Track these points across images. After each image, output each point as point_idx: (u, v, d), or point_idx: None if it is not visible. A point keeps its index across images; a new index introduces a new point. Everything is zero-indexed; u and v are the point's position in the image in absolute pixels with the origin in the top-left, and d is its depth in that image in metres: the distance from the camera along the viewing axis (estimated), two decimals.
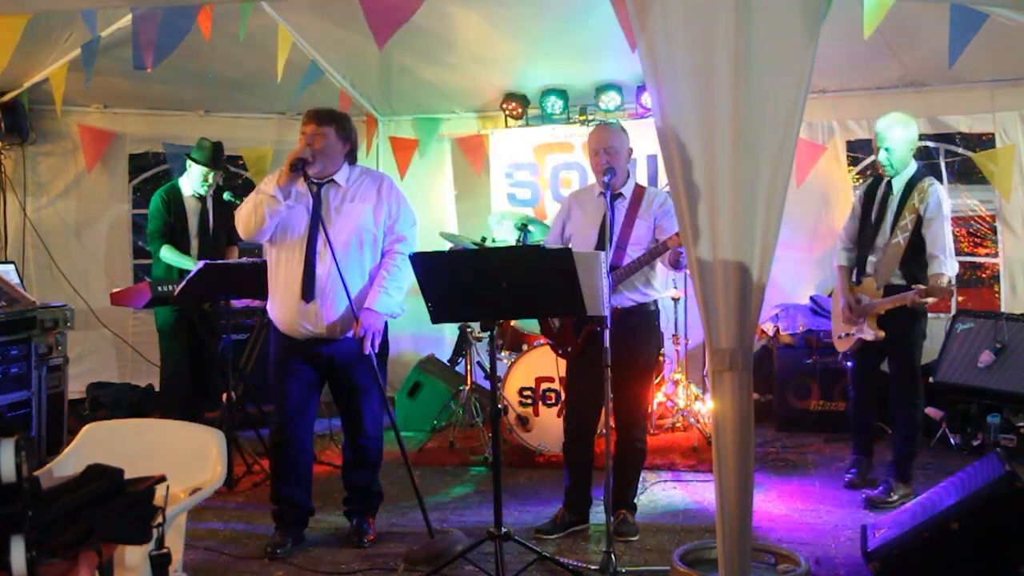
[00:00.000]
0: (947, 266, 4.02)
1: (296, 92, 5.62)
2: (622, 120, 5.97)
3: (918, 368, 4.22)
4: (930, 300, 3.93)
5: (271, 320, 3.77)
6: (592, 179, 6.25)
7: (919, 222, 4.09)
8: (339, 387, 3.81)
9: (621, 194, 3.87)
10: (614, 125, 4.05)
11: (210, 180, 5.23)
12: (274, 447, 3.84)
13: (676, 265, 3.67)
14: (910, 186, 4.16)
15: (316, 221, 3.57)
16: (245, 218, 3.59)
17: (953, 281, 4.08)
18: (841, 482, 4.53)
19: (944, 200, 4.09)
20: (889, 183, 4.27)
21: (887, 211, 4.22)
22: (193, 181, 5.24)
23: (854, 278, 4.36)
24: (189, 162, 5.26)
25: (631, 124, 5.82)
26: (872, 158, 6.49)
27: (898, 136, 4.17)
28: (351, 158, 3.74)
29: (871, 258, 4.27)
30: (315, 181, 3.58)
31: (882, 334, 4.15)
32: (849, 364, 4.75)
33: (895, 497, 4.08)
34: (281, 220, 3.60)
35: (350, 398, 3.78)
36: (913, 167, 4.22)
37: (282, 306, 3.66)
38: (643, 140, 5.77)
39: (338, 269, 3.50)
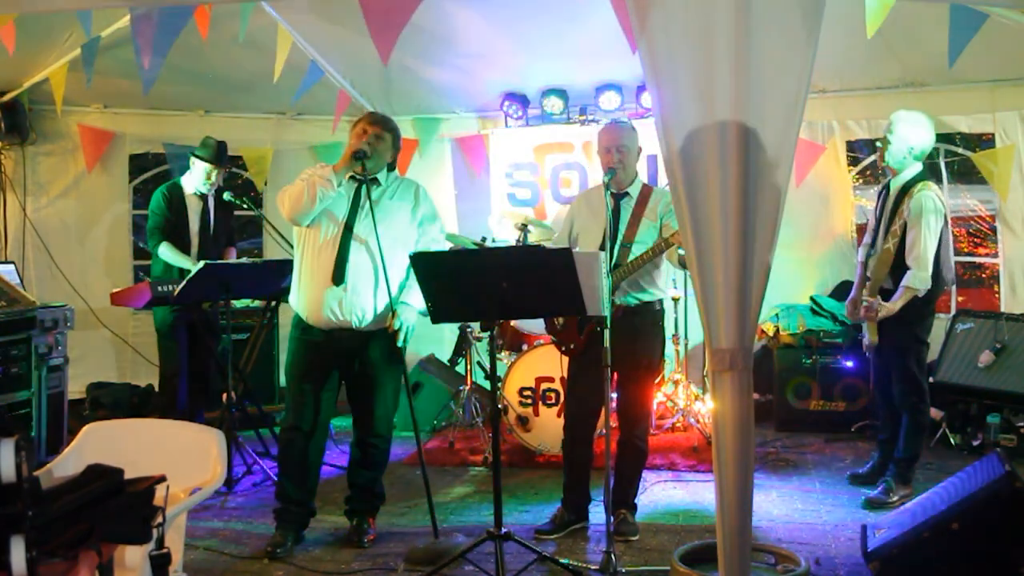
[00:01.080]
0: (916, 279, 3.95)
1: (297, 92, 5.62)
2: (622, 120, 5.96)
3: (917, 372, 4.17)
4: (882, 314, 3.92)
5: (295, 313, 3.78)
6: (592, 178, 6.31)
7: (906, 227, 4.03)
8: (356, 383, 3.82)
9: (628, 193, 3.88)
10: (625, 123, 4.07)
11: (213, 178, 5.22)
12: (285, 445, 3.84)
13: (684, 262, 3.67)
14: (905, 190, 4.10)
15: (356, 209, 3.68)
16: (295, 197, 3.61)
17: (922, 291, 4.00)
18: (841, 482, 4.54)
19: (928, 208, 3.97)
20: (888, 186, 4.26)
21: (884, 215, 4.22)
22: (196, 179, 5.22)
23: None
24: (193, 159, 5.25)
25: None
26: (872, 158, 6.54)
27: (900, 132, 4.11)
28: (392, 167, 3.88)
29: (871, 261, 4.27)
30: (361, 176, 3.69)
31: (875, 340, 4.15)
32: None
33: (894, 498, 4.08)
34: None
35: (366, 395, 3.80)
36: (915, 171, 4.13)
37: (309, 291, 3.67)
38: (643, 140, 5.75)
39: (382, 257, 3.61)
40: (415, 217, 3.82)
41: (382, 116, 3.85)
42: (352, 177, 3.71)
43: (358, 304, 3.64)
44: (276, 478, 3.88)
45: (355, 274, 3.63)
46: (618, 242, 3.77)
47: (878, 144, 4.26)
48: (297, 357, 3.77)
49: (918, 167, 4.16)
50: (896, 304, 3.98)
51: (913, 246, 3.99)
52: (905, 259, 4.03)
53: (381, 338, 3.72)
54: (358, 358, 3.75)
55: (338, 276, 3.62)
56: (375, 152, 3.70)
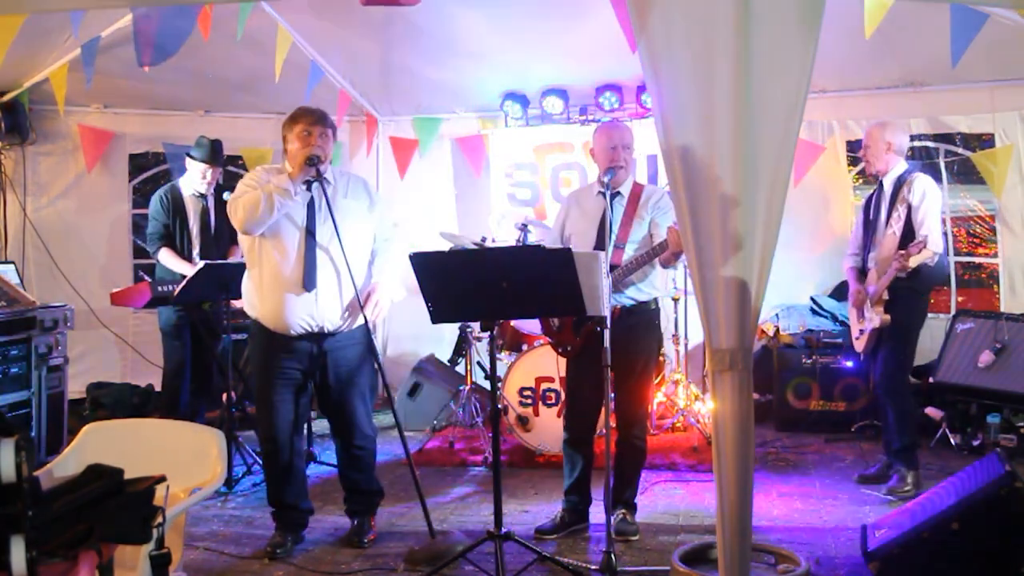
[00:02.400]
0: (931, 241, 4.13)
1: (305, 94, 5.61)
2: (622, 120, 5.97)
3: (907, 357, 4.36)
4: (911, 263, 4.09)
5: (255, 321, 3.69)
6: (592, 178, 6.30)
7: (909, 211, 4.23)
8: (330, 387, 3.75)
9: (619, 192, 3.87)
10: (624, 123, 4.07)
11: (209, 177, 5.20)
12: (267, 455, 3.78)
13: (668, 263, 3.69)
14: (900, 183, 4.31)
15: (314, 213, 3.64)
16: (249, 210, 3.53)
17: (935, 258, 4.18)
18: (841, 482, 4.54)
19: (930, 191, 4.22)
20: (881, 184, 4.44)
21: (881, 208, 4.39)
22: (193, 179, 5.22)
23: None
24: (188, 160, 5.24)
25: (631, 124, 5.82)
26: None
27: (874, 135, 4.38)
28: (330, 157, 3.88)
29: (871, 254, 4.42)
30: (315, 179, 3.64)
31: (887, 318, 4.28)
32: (862, 364, 4.79)
33: (908, 484, 4.19)
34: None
35: (343, 398, 3.76)
36: (902, 167, 4.37)
37: (274, 298, 3.59)
38: (643, 140, 5.78)
39: (345, 259, 3.58)
40: (371, 215, 3.81)
41: (319, 112, 3.74)
42: (307, 180, 3.64)
43: (328, 307, 3.62)
44: (271, 490, 3.82)
45: (322, 278, 3.61)
46: (611, 243, 3.77)
47: (859, 156, 4.49)
48: (265, 364, 3.70)
49: (903, 163, 4.38)
50: (921, 256, 4.11)
51: (924, 221, 4.18)
52: (917, 233, 4.18)
53: (349, 337, 3.72)
54: (330, 358, 3.70)
55: (308, 282, 3.57)
56: (325, 153, 3.66)
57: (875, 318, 4.31)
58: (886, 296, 4.27)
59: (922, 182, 4.24)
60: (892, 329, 4.29)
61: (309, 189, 3.64)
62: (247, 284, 3.74)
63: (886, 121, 4.49)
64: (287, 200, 3.55)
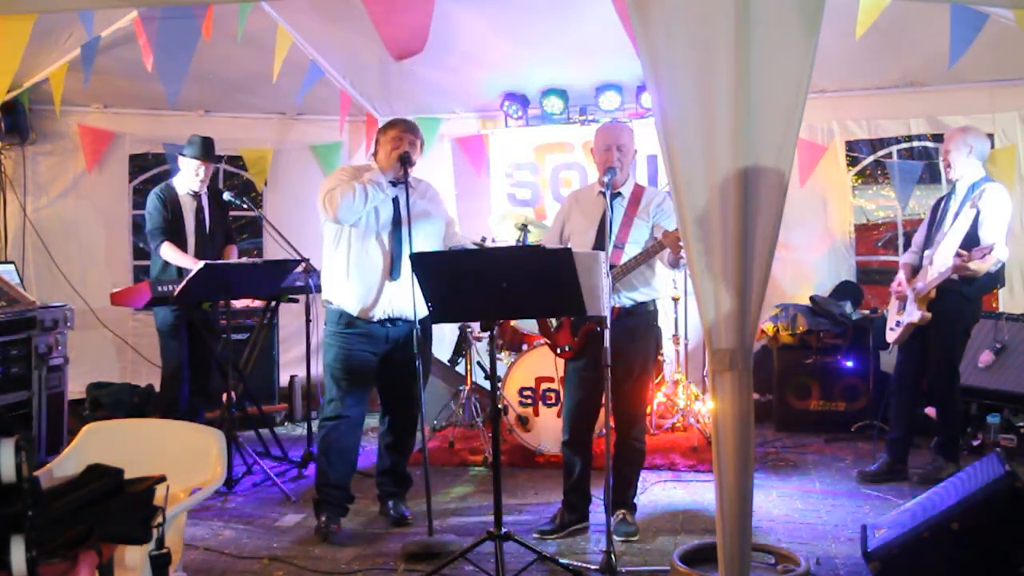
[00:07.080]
0: (997, 249, 4.17)
1: (299, 93, 5.61)
2: (622, 120, 5.96)
3: (953, 356, 4.43)
4: (971, 266, 4.13)
5: (336, 309, 3.89)
6: (592, 178, 6.31)
7: (977, 216, 4.27)
8: (400, 369, 3.94)
9: (620, 193, 3.87)
10: (623, 123, 4.08)
11: (202, 174, 5.15)
12: (333, 434, 3.90)
13: (675, 264, 3.69)
14: (973, 188, 4.36)
15: (399, 209, 3.90)
16: (347, 199, 3.74)
17: (998, 264, 4.27)
18: (841, 482, 4.55)
19: (1003, 200, 4.28)
20: (954, 187, 4.50)
21: (950, 210, 4.44)
22: (187, 178, 5.18)
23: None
24: (181, 159, 5.21)
25: (631, 124, 5.82)
26: (872, 158, 6.55)
27: (958, 140, 4.41)
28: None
29: (928, 252, 4.46)
30: (402, 179, 3.88)
31: (928, 315, 4.33)
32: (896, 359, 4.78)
33: (944, 475, 4.18)
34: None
35: (411, 380, 3.91)
36: (980, 174, 4.39)
37: (362, 285, 3.83)
38: (643, 140, 5.77)
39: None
40: (442, 216, 4.12)
41: (413, 123, 4.04)
42: (392, 181, 3.89)
43: (406, 296, 3.81)
44: (322, 468, 3.94)
45: (406, 269, 3.83)
46: (611, 243, 3.77)
47: (941, 163, 4.54)
48: (347, 351, 3.89)
49: (981, 169, 4.42)
50: (984, 264, 4.15)
51: (991, 228, 4.23)
52: (982, 239, 4.22)
53: (410, 324, 3.92)
54: (398, 345, 3.93)
55: (395, 271, 3.85)
56: (414, 157, 3.94)
57: (915, 313, 4.38)
58: (932, 294, 4.32)
59: (995, 191, 4.28)
60: (937, 329, 4.36)
61: (395, 187, 3.89)
62: (331, 272, 3.93)
63: (968, 126, 4.54)
64: (379, 193, 3.81)
